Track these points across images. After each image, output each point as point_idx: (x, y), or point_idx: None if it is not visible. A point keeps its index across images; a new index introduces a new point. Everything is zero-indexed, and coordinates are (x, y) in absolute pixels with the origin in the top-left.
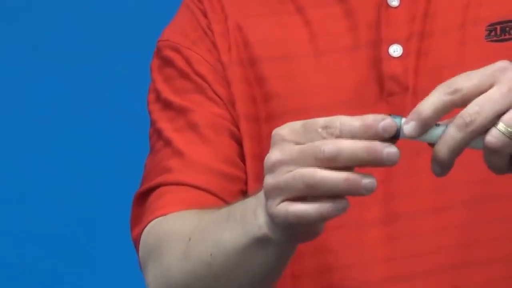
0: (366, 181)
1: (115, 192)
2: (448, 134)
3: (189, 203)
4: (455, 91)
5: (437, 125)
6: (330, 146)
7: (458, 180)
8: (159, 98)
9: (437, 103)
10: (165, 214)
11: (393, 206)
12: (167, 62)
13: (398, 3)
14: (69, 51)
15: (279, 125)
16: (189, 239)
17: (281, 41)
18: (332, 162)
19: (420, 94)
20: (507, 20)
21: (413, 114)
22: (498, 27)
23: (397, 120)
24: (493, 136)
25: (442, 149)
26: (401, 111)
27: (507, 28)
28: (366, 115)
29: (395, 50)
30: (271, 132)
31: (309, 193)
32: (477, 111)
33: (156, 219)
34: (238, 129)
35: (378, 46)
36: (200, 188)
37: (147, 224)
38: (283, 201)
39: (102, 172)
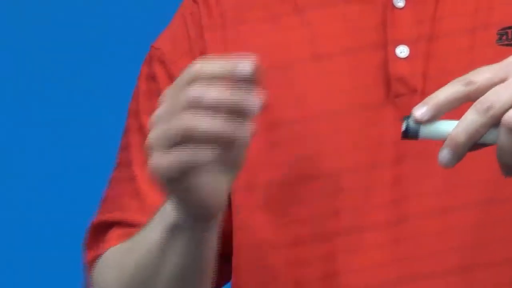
0: (240, 126)
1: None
2: (468, 119)
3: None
4: (469, 83)
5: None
6: (194, 90)
7: (466, 181)
8: (137, 115)
9: (450, 92)
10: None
11: (402, 208)
12: (153, 76)
13: (404, 4)
14: (68, 50)
15: (280, 133)
16: (123, 254)
17: (282, 47)
18: (198, 107)
19: (428, 96)
20: None
21: (425, 100)
22: (510, 31)
23: (411, 119)
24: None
25: (461, 133)
26: (408, 113)
27: None
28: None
29: (402, 51)
30: (271, 140)
31: (183, 141)
32: (496, 97)
33: (103, 255)
34: None
35: (384, 47)
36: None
37: (97, 258)
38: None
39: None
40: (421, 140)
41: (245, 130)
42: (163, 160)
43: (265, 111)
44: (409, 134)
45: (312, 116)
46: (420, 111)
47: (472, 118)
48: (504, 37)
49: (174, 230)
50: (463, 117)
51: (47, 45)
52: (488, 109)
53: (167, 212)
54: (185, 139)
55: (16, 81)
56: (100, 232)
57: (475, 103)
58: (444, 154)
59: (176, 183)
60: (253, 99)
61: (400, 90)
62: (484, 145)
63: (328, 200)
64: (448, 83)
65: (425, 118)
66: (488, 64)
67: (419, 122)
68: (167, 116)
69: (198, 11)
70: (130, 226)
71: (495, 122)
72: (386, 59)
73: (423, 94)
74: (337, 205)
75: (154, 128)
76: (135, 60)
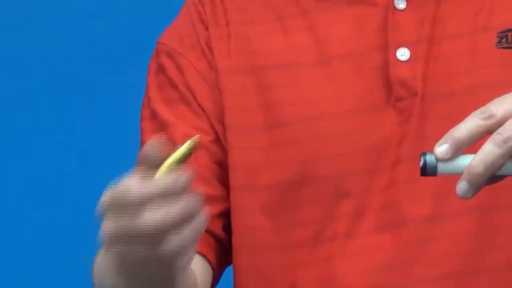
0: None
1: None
2: (486, 150)
3: None
4: (490, 117)
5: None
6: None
7: None
8: (149, 105)
9: (472, 127)
10: None
11: (397, 213)
12: (161, 68)
13: (405, 5)
14: (68, 50)
15: (283, 134)
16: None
17: (286, 49)
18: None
19: (429, 99)
20: None
21: (446, 137)
22: (509, 34)
23: (428, 156)
24: None
25: (478, 165)
26: (409, 116)
27: None
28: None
29: (403, 53)
30: (271, 141)
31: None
32: None
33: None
34: (219, 144)
35: (385, 50)
36: None
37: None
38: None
39: (101, 172)
40: (439, 175)
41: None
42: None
43: (266, 112)
44: (427, 172)
45: (313, 118)
46: (441, 149)
47: (490, 149)
48: (504, 40)
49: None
50: (481, 149)
51: (47, 45)
52: (506, 140)
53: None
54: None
55: (16, 80)
56: None
57: (493, 135)
58: (462, 186)
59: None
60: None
61: (401, 93)
62: (502, 176)
63: (327, 203)
64: (468, 117)
65: (447, 156)
66: (487, 67)
67: (441, 160)
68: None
69: (203, 9)
70: None
71: None
72: (387, 62)
73: (424, 97)
74: (336, 209)
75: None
76: (135, 60)
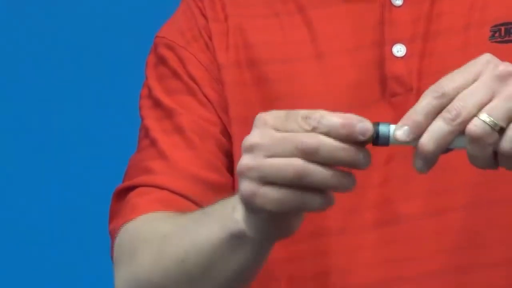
0: (349, 179)
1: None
2: (435, 128)
3: (166, 205)
4: (443, 96)
5: None
6: (311, 139)
7: (458, 183)
8: (150, 95)
9: (427, 108)
10: (141, 215)
11: (391, 209)
12: (161, 60)
13: (402, 2)
14: (67, 50)
15: None
16: (164, 238)
17: (282, 43)
18: (311, 156)
19: None
20: (511, 22)
21: (405, 119)
22: (503, 28)
23: (384, 127)
24: (475, 125)
25: (429, 142)
26: (404, 112)
27: None
28: (347, 114)
29: (399, 50)
30: None
31: (295, 182)
32: (462, 104)
33: (132, 220)
34: (225, 134)
35: (381, 46)
36: (179, 194)
37: (123, 224)
38: (260, 184)
39: (100, 172)
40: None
41: (351, 182)
42: (271, 194)
43: (264, 106)
44: (380, 142)
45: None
46: (402, 132)
47: (440, 126)
48: (497, 34)
49: (240, 238)
50: (431, 126)
51: (47, 45)
52: (455, 117)
53: (235, 220)
54: (297, 181)
55: (15, 81)
56: (125, 198)
57: (443, 112)
58: (417, 163)
59: (271, 215)
60: (364, 159)
61: (396, 89)
62: (452, 149)
63: None
64: (422, 96)
65: (409, 139)
66: None
67: (402, 143)
68: (275, 148)
69: (203, 4)
70: (157, 188)
71: (462, 128)
72: (383, 57)
73: (419, 93)
74: None
75: (254, 154)
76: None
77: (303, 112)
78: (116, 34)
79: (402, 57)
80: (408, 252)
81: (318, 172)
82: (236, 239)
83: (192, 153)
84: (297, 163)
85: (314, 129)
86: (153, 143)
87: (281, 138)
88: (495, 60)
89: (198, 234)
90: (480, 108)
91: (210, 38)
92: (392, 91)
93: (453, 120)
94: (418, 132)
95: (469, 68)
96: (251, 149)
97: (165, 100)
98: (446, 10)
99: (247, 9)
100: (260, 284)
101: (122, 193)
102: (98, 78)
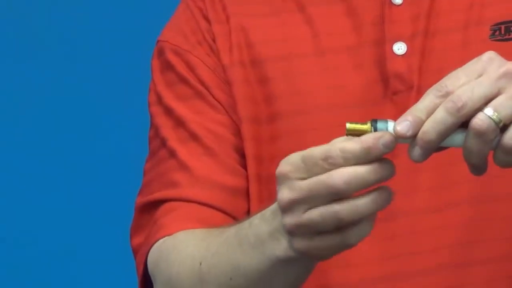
0: (388, 193)
1: (113, 192)
2: (438, 117)
3: (196, 221)
4: (446, 94)
5: None
6: (339, 179)
7: (458, 178)
8: (160, 102)
9: (429, 106)
10: (173, 233)
11: (392, 204)
12: (168, 66)
13: (402, 0)
14: (67, 50)
15: (280, 126)
16: (200, 264)
17: (283, 41)
18: (346, 192)
19: (424, 92)
20: (511, 20)
21: (406, 115)
22: (503, 26)
23: (382, 124)
24: (480, 119)
25: (431, 131)
26: (405, 109)
27: None
28: (364, 136)
29: (399, 48)
30: (272, 133)
31: (339, 225)
32: (469, 96)
33: (164, 238)
34: (238, 135)
35: (382, 44)
36: (206, 204)
37: (155, 241)
38: (311, 237)
39: (100, 172)
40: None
41: (390, 197)
42: (322, 244)
43: (268, 104)
44: None
45: (311, 110)
46: (402, 127)
47: (442, 117)
48: (497, 33)
49: (288, 261)
50: (433, 115)
51: (47, 45)
52: (460, 109)
53: (284, 248)
54: (345, 222)
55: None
56: (150, 212)
57: (447, 101)
58: (415, 151)
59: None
60: (390, 169)
61: (397, 87)
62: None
63: None
64: (425, 94)
65: (408, 134)
66: None
67: (401, 137)
68: (311, 200)
69: (204, 5)
70: (185, 202)
71: (464, 120)
72: (384, 55)
73: (419, 90)
74: None
75: (294, 212)
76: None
77: (317, 153)
78: (116, 34)
79: (403, 55)
80: (408, 247)
81: (360, 208)
82: (284, 263)
83: (212, 160)
84: (338, 208)
85: (340, 166)
86: (172, 153)
87: (311, 188)
88: (498, 57)
89: (242, 263)
90: (485, 103)
91: (213, 40)
92: (394, 89)
93: (457, 111)
94: (419, 128)
95: (472, 66)
96: (289, 207)
97: (177, 107)
98: (445, 8)
99: (247, 8)
100: None
101: (147, 207)
102: (98, 78)
